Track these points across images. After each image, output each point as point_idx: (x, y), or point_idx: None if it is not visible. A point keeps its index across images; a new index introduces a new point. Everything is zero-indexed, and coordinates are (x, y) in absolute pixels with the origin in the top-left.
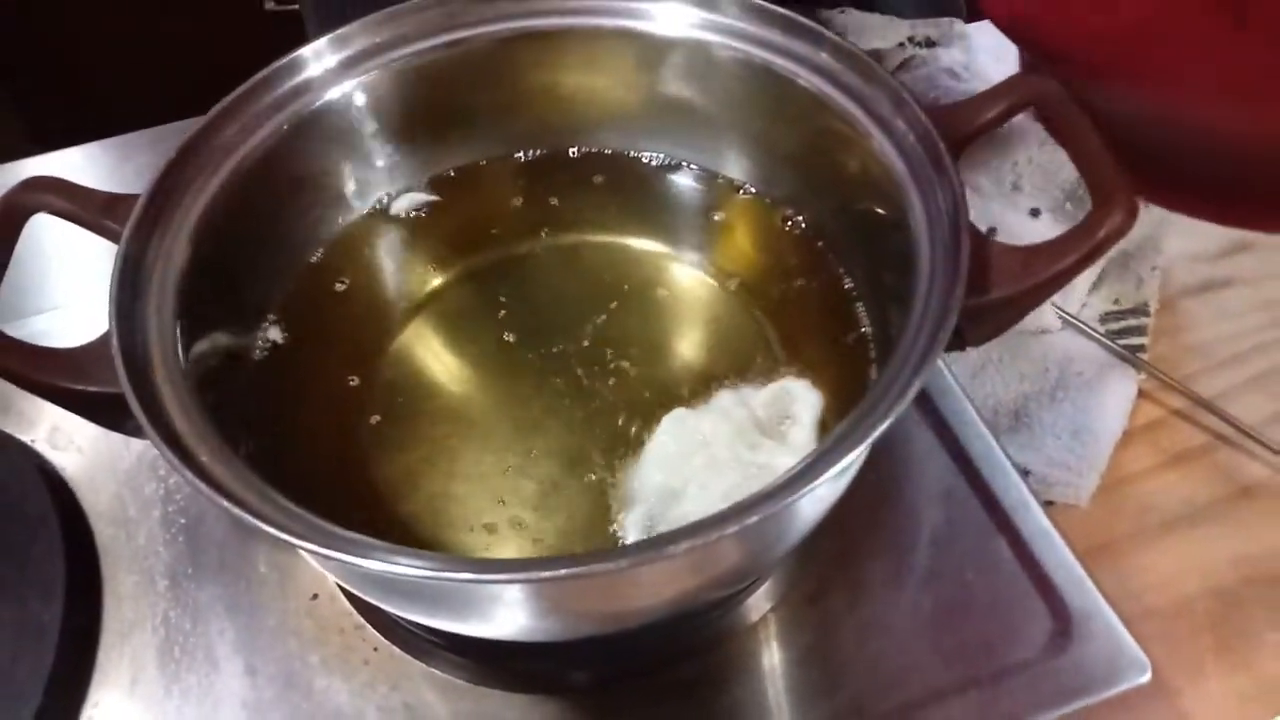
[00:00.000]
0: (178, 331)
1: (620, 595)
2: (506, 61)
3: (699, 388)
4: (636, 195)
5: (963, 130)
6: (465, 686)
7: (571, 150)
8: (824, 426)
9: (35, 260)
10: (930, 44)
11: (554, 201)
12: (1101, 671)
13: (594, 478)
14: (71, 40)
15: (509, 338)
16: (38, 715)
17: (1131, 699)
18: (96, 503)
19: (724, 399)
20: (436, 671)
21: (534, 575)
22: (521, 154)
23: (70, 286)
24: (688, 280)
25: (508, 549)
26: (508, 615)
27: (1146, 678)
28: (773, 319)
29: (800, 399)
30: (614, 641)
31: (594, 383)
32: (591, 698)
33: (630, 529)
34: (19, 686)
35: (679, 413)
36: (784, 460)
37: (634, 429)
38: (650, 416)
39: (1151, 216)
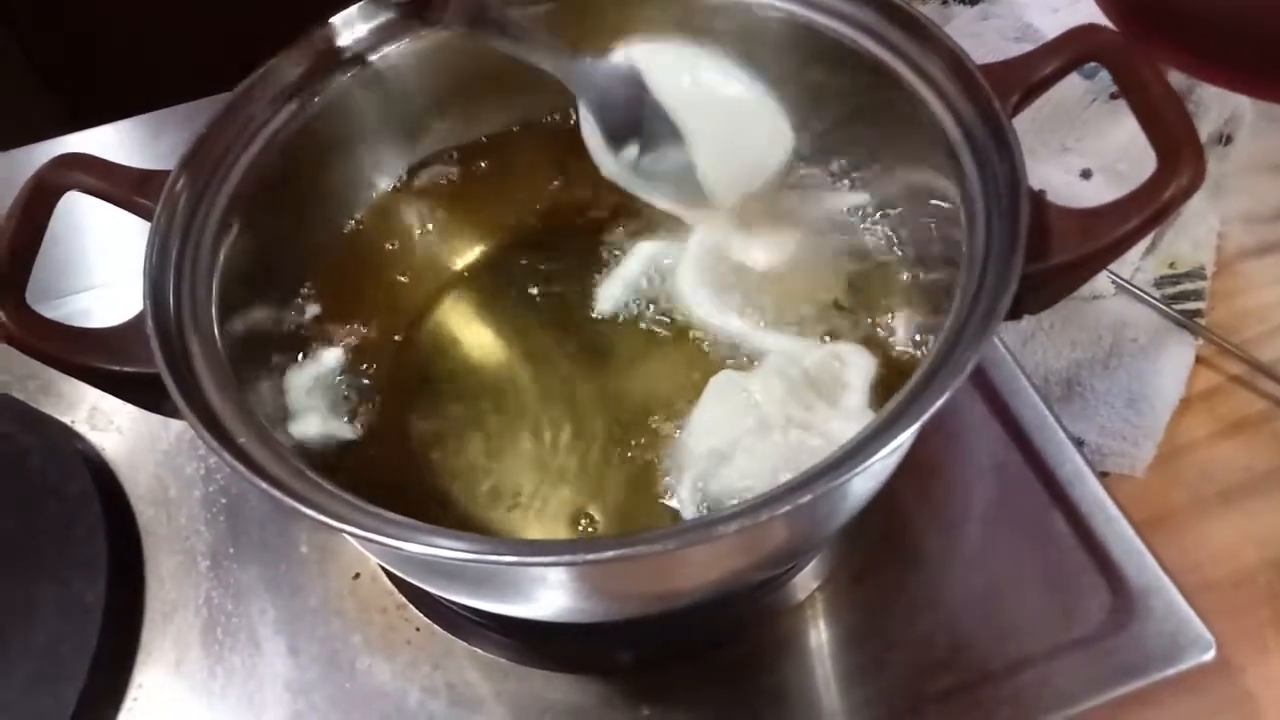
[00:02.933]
0: (214, 308)
1: (666, 576)
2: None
3: (746, 350)
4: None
5: (1019, 87)
6: (508, 666)
7: None
8: (875, 393)
9: (78, 237)
10: (975, 0)
11: (592, 168)
12: (1163, 649)
13: (641, 444)
14: (102, 16)
15: (545, 305)
16: (83, 695)
17: (1193, 677)
18: (137, 483)
19: (773, 359)
20: (479, 651)
21: (578, 558)
22: (557, 119)
23: (113, 263)
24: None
25: (551, 521)
26: (551, 597)
27: (1211, 655)
28: (820, 283)
29: (852, 364)
30: (659, 621)
31: (636, 348)
32: (636, 678)
33: (681, 497)
34: (64, 667)
35: (725, 374)
36: (837, 425)
37: (680, 393)
38: (697, 379)
39: (1207, 176)
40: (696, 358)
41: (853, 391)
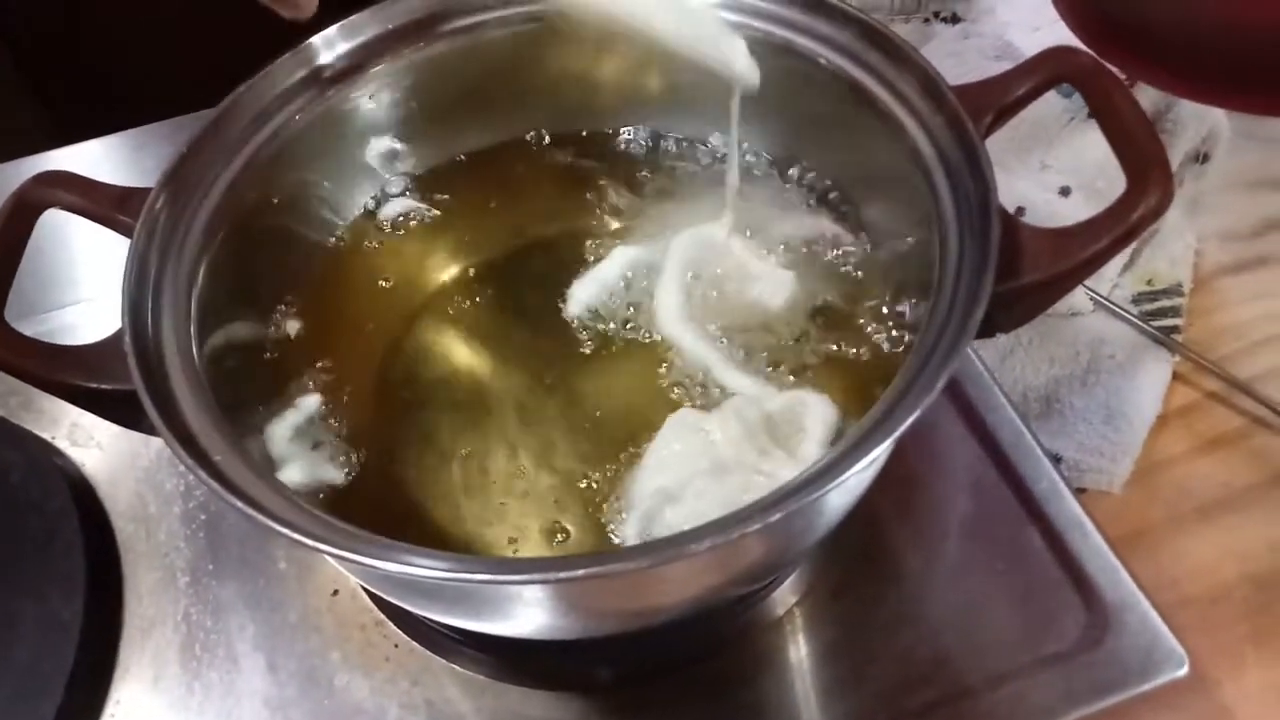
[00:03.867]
0: (191, 327)
1: (641, 593)
2: (519, 46)
3: (714, 383)
4: (653, 177)
5: (992, 108)
6: (487, 683)
7: (584, 135)
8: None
9: (62, 253)
10: (956, 19)
11: (568, 188)
12: (1138, 664)
13: (600, 476)
14: (91, 31)
15: (521, 328)
16: (60, 712)
17: (1169, 692)
18: (117, 500)
19: (735, 400)
20: (458, 668)
21: (551, 576)
22: (533, 138)
23: (97, 279)
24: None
25: (508, 544)
26: (528, 614)
27: (1184, 671)
28: (792, 304)
29: (813, 411)
30: (637, 637)
31: (610, 373)
32: (615, 694)
33: (626, 534)
34: (41, 684)
35: (683, 413)
36: (788, 473)
37: (644, 426)
38: (662, 413)
39: (1184, 194)
40: (666, 387)
41: (810, 440)
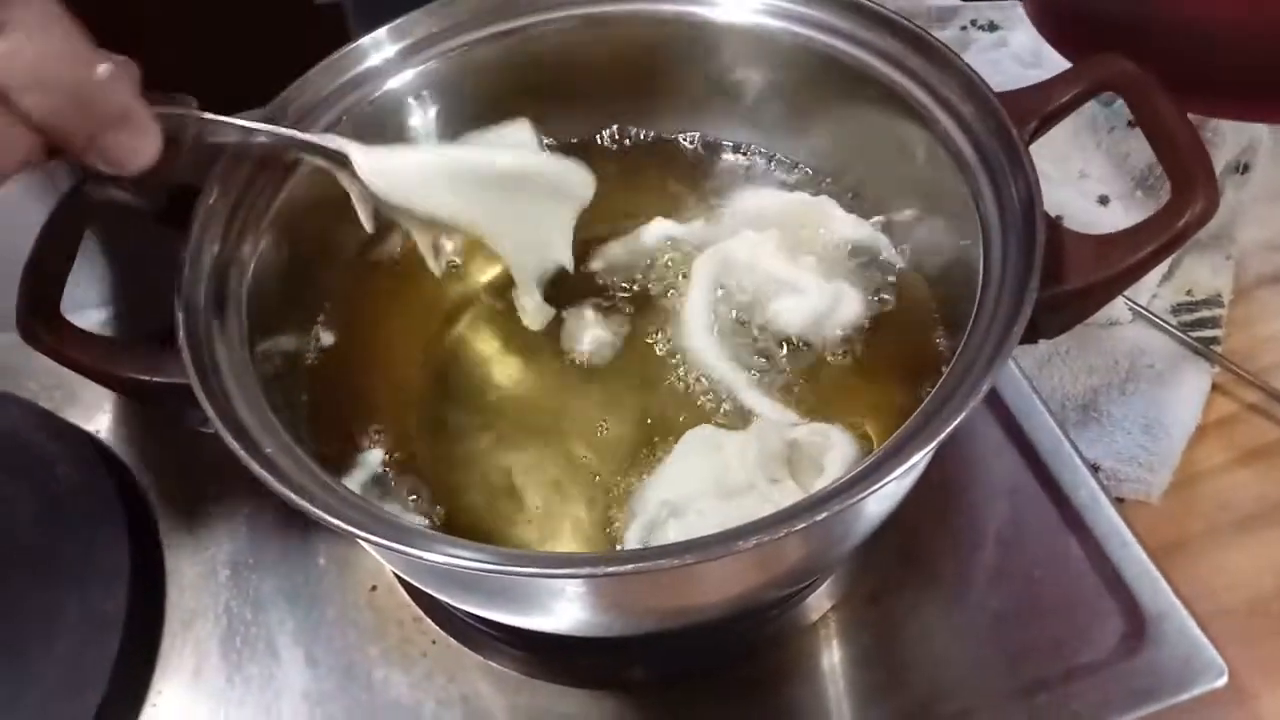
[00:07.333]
0: (242, 323)
1: (682, 591)
2: (565, 48)
3: (739, 405)
4: (695, 182)
5: (1036, 114)
6: (523, 680)
7: (629, 137)
8: None
9: (93, 253)
10: (993, 27)
11: (609, 192)
12: (1175, 674)
13: (612, 484)
14: (116, 32)
15: (559, 336)
16: (103, 704)
17: (1206, 703)
18: (159, 493)
19: (760, 424)
20: (494, 664)
21: (597, 570)
22: (578, 142)
23: (128, 279)
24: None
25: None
26: (569, 609)
27: (1223, 681)
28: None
29: (835, 447)
30: (672, 638)
31: (637, 382)
32: (649, 694)
33: (627, 541)
34: (85, 675)
35: (703, 430)
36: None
37: (667, 437)
38: (686, 426)
39: (1224, 204)
40: (693, 405)
41: (826, 479)
